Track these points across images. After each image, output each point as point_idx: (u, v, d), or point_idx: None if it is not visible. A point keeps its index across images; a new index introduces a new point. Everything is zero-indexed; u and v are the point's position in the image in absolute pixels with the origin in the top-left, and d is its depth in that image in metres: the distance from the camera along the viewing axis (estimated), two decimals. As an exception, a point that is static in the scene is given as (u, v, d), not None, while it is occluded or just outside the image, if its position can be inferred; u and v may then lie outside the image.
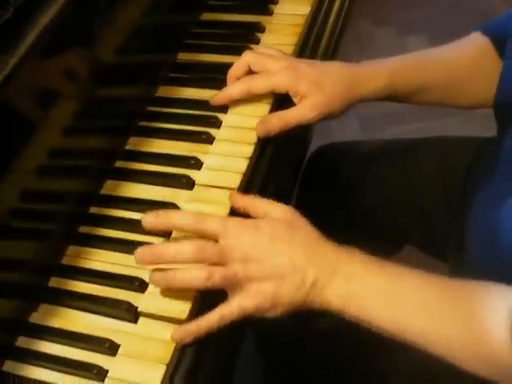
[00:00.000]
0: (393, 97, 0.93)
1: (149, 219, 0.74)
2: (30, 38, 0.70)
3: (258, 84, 0.88)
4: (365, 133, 1.93)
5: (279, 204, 0.76)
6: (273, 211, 0.75)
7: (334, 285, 0.70)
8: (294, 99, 0.88)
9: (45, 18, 0.73)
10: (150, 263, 0.74)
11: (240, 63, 0.90)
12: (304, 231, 0.74)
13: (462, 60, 0.95)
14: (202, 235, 0.73)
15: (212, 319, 0.70)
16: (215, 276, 0.70)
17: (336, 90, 0.87)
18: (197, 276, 0.71)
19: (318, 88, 0.87)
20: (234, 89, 0.89)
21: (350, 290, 0.70)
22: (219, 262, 0.71)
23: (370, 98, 0.91)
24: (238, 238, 0.72)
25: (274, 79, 0.88)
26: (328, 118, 0.89)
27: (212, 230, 0.72)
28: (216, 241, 0.72)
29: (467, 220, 0.91)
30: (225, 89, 0.90)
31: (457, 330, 0.68)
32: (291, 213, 0.75)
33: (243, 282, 0.71)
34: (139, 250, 0.73)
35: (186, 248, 0.72)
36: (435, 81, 0.94)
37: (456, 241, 0.96)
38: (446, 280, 0.72)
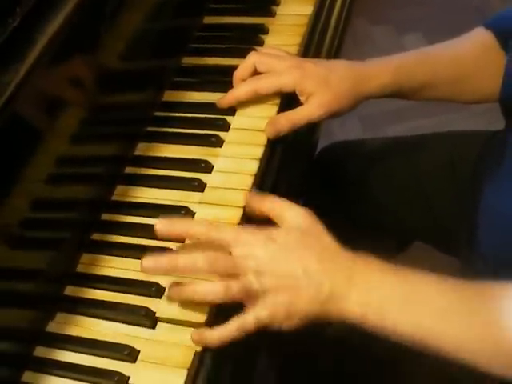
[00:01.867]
0: (398, 93, 0.93)
1: (162, 226, 0.73)
2: (39, 45, 0.70)
3: (265, 84, 0.88)
4: (366, 132, 1.93)
5: (296, 207, 0.74)
6: (288, 215, 0.74)
7: (351, 295, 0.68)
8: (301, 98, 0.88)
9: (52, 26, 0.72)
10: (156, 273, 0.73)
11: (245, 64, 0.90)
12: (319, 239, 0.72)
13: (467, 55, 0.95)
14: (214, 244, 0.72)
15: (229, 331, 0.69)
16: (233, 289, 0.69)
17: (342, 88, 0.87)
18: (214, 290, 0.70)
19: (325, 86, 0.87)
20: (240, 90, 0.89)
21: (368, 299, 0.68)
22: (232, 274, 0.70)
23: (377, 95, 0.91)
24: (252, 248, 0.71)
25: (280, 79, 0.88)
26: (335, 115, 0.89)
27: (225, 239, 0.71)
28: (229, 251, 0.71)
29: (477, 214, 0.91)
30: (231, 91, 0.90)
31: (476, 332, 0.67)
32: (307, 217, 0.73)
33: (259, 293, 0.69)
34: (144, 261, 0.71)
35: (199, 259, 0.70)
36: (440, 77, 0.94)
37: (466, 235, 0.96)
38: (463, 283, 0.70)
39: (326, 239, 0.72)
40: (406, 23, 2.18)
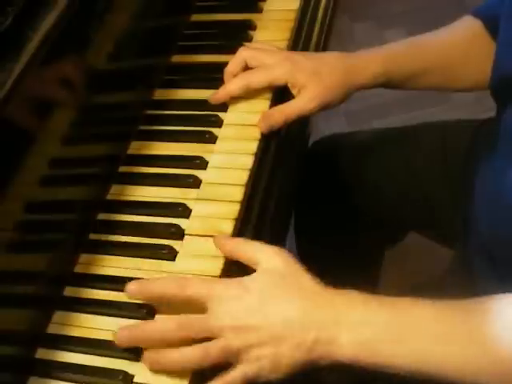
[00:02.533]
0: (390, 83, 0.93)
1: (131, 288, 0.70)
2: (32, 44, 0.70)
3: (256, 78, 0.88)
4: (351, 128, 1.93)
5: (269, 247, 0.71)
6: (261, 257, 0.71)
7: (339, 337, 0.65)
8: (293, 91, 0.88)
9: (44, 25, 0.72)
10: (130, 345, 0.69)
11: (236, 59, 0.90)
12: (297, 280, 0.69)
13: (457, 43, 0.96)
14: (186, 303, 0.69)
15: None
16: (211, 353, 0.66)
17: (334, 79, 0.88)
18: (192, 355, 0.66)
19: (316, 78, 0.87)
20: (232, 85, 0.89)
21: (358, 337, 0.66)
22: (209, 336, 0.67)
23: (368, 85, 0.91)
24: (226, 304, 0.67)
25: (272, 72, 0.88)
26: (327, 107, 0.89)
27: (193, 293, 0.68)
28: (204, 308, 0.68)
29: (470, 203, 0.92)
30: (223, 86, 0.90)
31: (475, 351, 0.65)
32: (282, 257, 0.70)
33: (241, 352, 0.66)
34: (119, 333, 0.69)
35: (169, 325, 0.67)
36: (431, 65, 0.94)
37: (460, 225, 0.97)
38: (452, 303, 0.68)
39: (304, 279, 0.69)
40: (387, 18, 2.20)
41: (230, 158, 0.85)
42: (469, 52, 0.95)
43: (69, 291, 0.77)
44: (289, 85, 0.87)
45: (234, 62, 0.90)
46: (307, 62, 0.88)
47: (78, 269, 0.79)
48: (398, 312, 0.67)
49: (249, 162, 0.84)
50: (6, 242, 0.71)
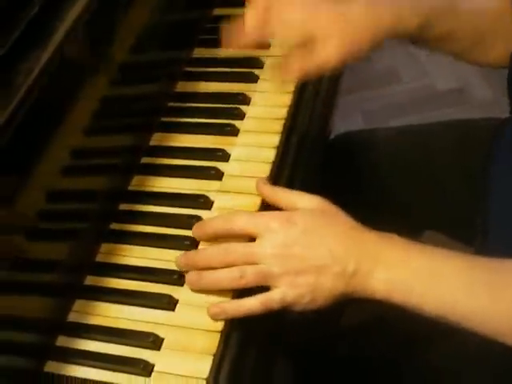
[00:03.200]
0: (419, 38, 0.87)
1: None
2: (59, 34, 0.70)
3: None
4: (368, 126, 1.93)
5: (308, 194, 0.75)
6: (301, 201, 0.74)
7: (376, 272, 0.68)
8: (317, 43, 0.79)
9: (70, 15, 0.72)
10: (186, 268, 0.74)
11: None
12: (339, 219, 0.73)
13: (487, 13, 0.92)
14: (233, 235, 0.73)
15: (252, 306, 0.70)
16: (247, 274, 0.70)
17: (362, 26, 0.81)
18: (228, 276, 0.70)
19: (341, 26, 0.80)
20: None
21: (393, 276, 0.68)
22: (250, 262, 0.70)
23: (398, 36, 0.84)
24: (270, 232, 0.71)
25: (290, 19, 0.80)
26: (355, 58, 0.81)
27: (241, 227, 0.72)
28: (251, 239, 0.72)
29: (490, 201, 0.91)
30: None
31: (502, 307, 0.67)
32: (322, 201, 0.74)
33: (282, 277, 0.69)
34: (177, 258, 0.75)
35: (217, 250, 0.72)
36: (462, 30, 0.89)
37: (480, 223, 0.96)
38: (487, 259, 0.71)
39: (346, 219, 0.73)
40: None
41: (252, 151, 0.85)
42: (497, 26, 0.92)
43: (90, 280, 0.77)
44: (312, 34, 0.79)
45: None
46: (333, 8, 0.81)
47: (100, 258, 0.79)
48: (435, 260, 0.70)
49: (271, 155, 0.84)
50: (30, 230, 0.71)
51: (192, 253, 0.75)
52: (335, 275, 0.69)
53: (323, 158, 1.10)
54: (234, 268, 0.70)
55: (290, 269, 0.69)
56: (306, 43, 0.79)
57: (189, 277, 0.74)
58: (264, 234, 0.71)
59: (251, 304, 0.70)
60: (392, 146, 1.08)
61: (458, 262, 0.70)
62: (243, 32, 0.81)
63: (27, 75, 0.67)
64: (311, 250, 0.70)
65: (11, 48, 0.66)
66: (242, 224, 0.72)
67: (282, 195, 0.76)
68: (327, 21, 0.79)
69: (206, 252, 0.74)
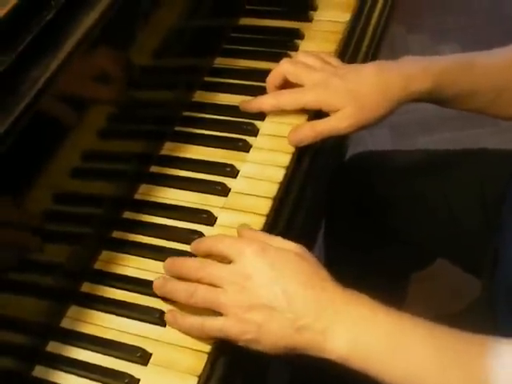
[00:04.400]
0: (434, 100, 0.89)
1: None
2: (73, 39, 0.69)
3: (287, 102, 0.87)
4: (395, 141, 1.91)
5: (289, 241, 0.73)
6: (285, 244, 0.72)
7: (335, 330, 0.64)
8: (330, 114, 0.86)
9: (87, 20, 0.72)
10: (168, 273, 0.75)
11: (277, 71, 0.89)
12: (312, 268, 0.69)
13: (505, 70, 0.92)
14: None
15: (194, 324, 0.70)
16: (197, 295, 0.69)
17: (372, 99, 0.85)
18: (183, 290, 0.71)
19: (352, 99, 0.84)
20: (264, 101, 0.88)
21: (356, 336, 0.64)
22: (214, 283, 0.69)
23: (412, 101, 0.87)
24: (241, 258, 0.69)
25: (304, 97, 0.86)
26: (365, 127, 0.86)
27: (220, 250, 0.72)
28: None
29: (503, 236, 0.89)
30: (257, 98, 0.89)
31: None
32: (302, 249, 0.71)
33: (230, 308, 0.67)
34: (168, 259, 0.75)
35: (191, 264, 0.72)
36: (481, 87, 0.89)
37: (491, 256, 0.94)
38: (458, 334, 0.65)
39: (318, 269, 0.69)
40: (443, 33, 2.16)
41: (261, 169, 0.84)
42: None
43: (86, 287, 0.77)
44: (323, 109, 0.86)
45: (274, 73, 0.89)
46: (343, 84, 0.85)
47: (98, 265, 0.79)
48: (401, 327, 0.65)
49: (280, 175, 0.83)
50: (33, 231, 0.71)
51: (179, 259, 0.75)
52: (285, 321, 0.65)
53: (339, 176, 1.09)
54: (191, 284, 0.70)
55: (242, 302, 0.67)
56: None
57: (156, 280, 0.74)
58: (236, 258, 0.70)
59: (193, 322, 0.69)
60: (407, 171, 1.06)
61: (427, 334, 0.65)
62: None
63: (37, 80, 0.66)
64: (269, 287, 0.67)
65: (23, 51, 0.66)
66: (222, 246, 0.72)
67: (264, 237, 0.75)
68: (338, 97, 0.84)
69: (186, 262, 0.74)
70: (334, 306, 0.66)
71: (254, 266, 0.68)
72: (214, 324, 0.68)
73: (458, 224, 1.03)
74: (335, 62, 0.92)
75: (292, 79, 0.88)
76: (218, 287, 0.69)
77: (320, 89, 0.86)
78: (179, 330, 0.71)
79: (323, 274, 0.69)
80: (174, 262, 0.75)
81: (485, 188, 1.02)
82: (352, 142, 1.02)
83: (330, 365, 0.73)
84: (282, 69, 0.89)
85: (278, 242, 0.72)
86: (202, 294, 0.69)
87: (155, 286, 0.74)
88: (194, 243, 0.76)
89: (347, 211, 1.11)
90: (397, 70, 0.87)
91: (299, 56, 0.93)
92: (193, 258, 0.75)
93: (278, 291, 0.66)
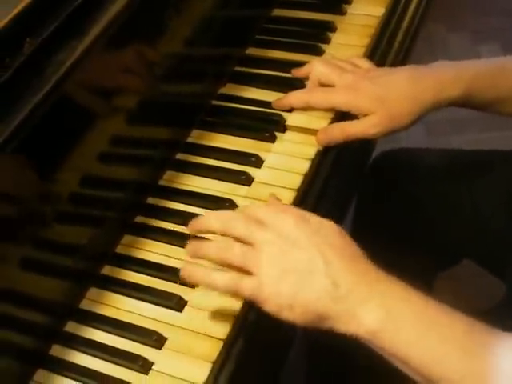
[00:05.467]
0: (467, 105, 0.88)
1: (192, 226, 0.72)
2: (100, 25, 0.70)
3: (318, 99, 0.87)
4: (430, 139, 1.89)
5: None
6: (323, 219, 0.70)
7: (370, 304, 0.62)
8: (358, 116, 0.86)
9: (115, 7, 0.72)
10: (192, 231, 0.72)
11: (307, 70, 0.91)
12: (350, 243, 0.68)
13: None
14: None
15: (219, 280, 0.67)
16: (234, 248, 0.66)
17: (402, 105, 0.84)
18: (216, 245, 0.68)
19: (381, 105, 0.84)
20: (294, 98, 0.89)
21: (389, 312, 0.62)
22: (247, 238, 0.67)
23: (443, 106, 0.87)
24: (280, 217, 0.68)
25: (333, 98, 0.86)
26: (393, 132, 0.86)
27: (258, 212, 0.69)
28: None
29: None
30: (288, 95, 0.89)
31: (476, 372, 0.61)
32: (340, 227, 0.70)
33: (268, 265, 0.65)
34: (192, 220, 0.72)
35: (217, 218, 0.69)
36: None
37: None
38: (476, 323, 0.64)
39: (357, 247, 0.68)
40: (483, 33, 2.13)
41: (286, 160, 0.84)
42: None
43: (107, 270, 0.78)
44: (352, 112, 0.85)
45: (304, 71, 0.91)
46: (373, 88, 0.85)
47: (120, 249, 0.80)
48: (433, 309, 0.63)
49: (305, 166, 0.83)
50: (57, 211, 0.72)
51: (200, 216, 0.72)
52: (322, 287, 0.63)
53: (365, 174, 1.08)
54: (224, 239, 0.68)
55: (281, 263, 0.65)
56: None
57: (189, 244, 0.71)
58: (277, 223, 0.67)
59: (219, 278, 0.67)
60: (435, 170, 1.05)
61: (457, 316, 0.63)
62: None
63: (62, 64, 0.67)
64: (309, 250, 0.65)
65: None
66: (262, 214, 0.69)
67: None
68: (368, 101, 0.84)
69: (210, 218, 0.70)
70: (372, 281, 0.64)
71: (295, 229, 0.66)
72: (250, 282, 0.65)
73: (484, 225, 1.01)
74: (367, 64, 0.91)
75: (322, 79, 0.88)
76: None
77: (350, 91, 0.86)
78: (209, 286, 0.68)
79: (359, 251, 0.67)
80: (199, 221, 0.71)
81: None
82: (385, 137, 1.00)
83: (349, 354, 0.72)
84: (314, 68, 0.89)
85: (315, 216, 0.70)
86: (238, 250, 0.66)
87: (189, 245, 0.71)
88: (227, 215, 0.72)
89: (374, 208, 1.10)
90: (429, 76, 0.86)
91: (333, 60, 0.92)
92: (226, 213, 0.72)
93: (318, 258, 0.64)
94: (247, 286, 0.65)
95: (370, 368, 0.89)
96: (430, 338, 0.62)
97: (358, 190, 1.08)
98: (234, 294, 0.67)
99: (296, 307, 0.64)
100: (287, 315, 0.64)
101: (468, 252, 1.08)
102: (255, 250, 0.66)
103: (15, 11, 0.66)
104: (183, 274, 0.70)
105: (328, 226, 0.69)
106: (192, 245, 0.71)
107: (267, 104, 0.90)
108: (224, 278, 0.67)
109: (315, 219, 0.69)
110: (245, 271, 0.66)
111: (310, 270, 0.64)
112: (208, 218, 0.70)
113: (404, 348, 0.62)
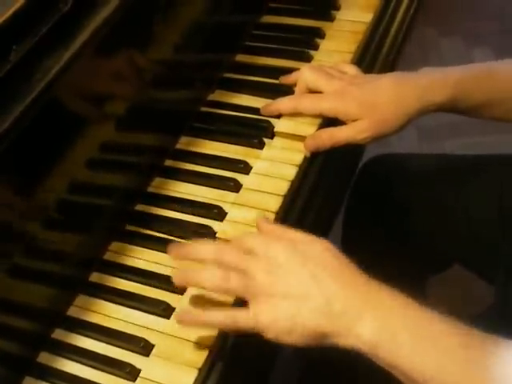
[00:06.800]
0: (454, 110, 0.89)
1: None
2: (87, 32, 0.70)
3: (306, 106, 0.88)
4: (422, 143, 1.89)
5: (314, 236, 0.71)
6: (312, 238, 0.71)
7: (367, 317, 0.63)
8: (346, 122, 0.86)
9: (103, 13, 0.73)
10: (176, 257, 0.72)
11: (294, 77, 0.91)
12: (340, 259, 0.68)
13: None
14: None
15: (223, 320, 0.67)
16: (231, 278, 0.66)
17: (388, 110, 0.85)
18: (212, 274, 0.67)
19: (369, 110, 0.84)
20: (283, 104, 0.89)
21: (387, 323, 0.63)
22: (240, 267, 0.67)
23: (431, 112, 0.88)
24: (269, 245, 0.68)
25: (320, 104, 0.87)
26: (382, 137, 0.86)
27: (248, 242, 0.69)
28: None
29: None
30: (276, 101, 0.90)
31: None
32: (328, 243, 0.70)
33: (263, 293, 0.66)
34: (170, 245, 0.73)
35: (208, 248, 0.70)
36: (502, 96, 0.89)
37: (505, 264, 0.93)
38: (471, 330, 0.64)
39: (345, 259, 0.68)
40: (476, 37, 2.13)
41: (274, 166, 0.84)
42: None
43: (95, 277, 0.78)
44: (340, 118, 0.86)
45: (293, 78, 0.91)
46: (360, 94, 0.85)
47: (108, 256, 0.80)
48: (429, 318, 0.63)
49: (291, 172, 0.83)
50: (44, 218, 0.73)
51: (187, 244, 0.73)
52: (318, 307, 0.64)
53: (354, 180, 1.09)
54: (219, 270, 0.67)
55: (275, 288, 0.66)
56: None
57: (175, 272, 0.71)
58: (266, 250, 0.68)
59: (223, 320, 0.67)
60: (427, 177, 1.05)
61: (452, 324, 0.63)
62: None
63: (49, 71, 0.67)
64: (301, 275, 0.66)
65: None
66: (251, 242, 0.69)
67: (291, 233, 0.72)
68: (355, 107, 0.84)
69: (201, 246, 0.71)
70: (364, 294, 0.65)
71: (285, 256, 0.67)
72: (246, 316, 0.66)
73: (474, 230, 1.02)
74: (354, 70, 0.92)
75: (310, 86, 0.89)
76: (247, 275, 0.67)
77: (338, 97, 0.86)
78: (204, 326, 0.70)
79: (351, 265, 0.68)
80: (185, 247, 0.72)
81: (503, 195, 1.00)
82: (377, 142, 1.01)
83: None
84: (301, 75, 0.89)
85: (303, 235, 0.70)
86: (236, 280, 0.66)
87: (174, 273, 0.71)
88: (218, 245, 0.74)
89: (364, 214, 1.11)
90: (413, 82, 0.87)
91: (323, 66, 0.93)
92: (215, 243, 0.74)
93: (309, 279, 0.65)
94: (245, 321, 0.66)
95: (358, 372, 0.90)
96: (426, 346, 0.62)
97: (347, 195, 1.08)
98: (234, 330, 0.68)
99: (295, 331, 0.65)
100: (287, 339, 0.65)
101: (458, 256, 1.08)
102: (249, 280, 0.66)
103: (1, 19, 0.67)
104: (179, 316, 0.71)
105: (316, 245, 0.69)
106: (181, 272, 0.71)
107: (256, 110, 0.90)
108: (219, 317, 0.68)
109: (303, 240, 0.69)
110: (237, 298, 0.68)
111: (303, 293, 0.65)
112: (197, 247, 0.71)
113: (401, 358, 0.62)
